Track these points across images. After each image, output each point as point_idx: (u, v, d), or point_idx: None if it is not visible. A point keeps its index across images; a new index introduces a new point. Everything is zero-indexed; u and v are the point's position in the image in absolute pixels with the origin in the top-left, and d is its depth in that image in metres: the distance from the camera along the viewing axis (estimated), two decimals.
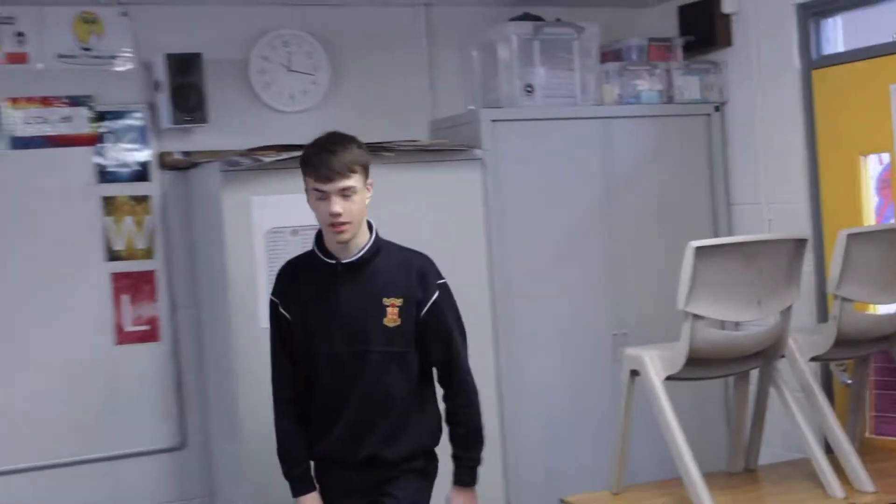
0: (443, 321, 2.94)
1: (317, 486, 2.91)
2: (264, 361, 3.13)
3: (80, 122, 3.71)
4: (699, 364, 3.01)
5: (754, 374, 3.32)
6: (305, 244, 3.16)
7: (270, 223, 3.42)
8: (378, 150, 3.43)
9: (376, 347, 2.84)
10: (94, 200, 3.72)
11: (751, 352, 3.10)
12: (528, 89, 3.84)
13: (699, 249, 2.82)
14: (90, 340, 3.71)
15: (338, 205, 2.65)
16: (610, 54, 4.05)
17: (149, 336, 3.81)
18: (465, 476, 2.92)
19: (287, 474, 2.89)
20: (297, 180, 3.04)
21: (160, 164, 3.83)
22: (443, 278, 2.95)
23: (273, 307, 2.92)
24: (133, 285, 3.78)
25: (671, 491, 3.14)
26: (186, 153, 3.84)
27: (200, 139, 3.82)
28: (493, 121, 3.79)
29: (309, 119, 3.86)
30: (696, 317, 2.86)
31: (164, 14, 3.79)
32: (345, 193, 2.66)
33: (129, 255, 3.78)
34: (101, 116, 3.74)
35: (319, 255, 2.84)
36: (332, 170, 2.69)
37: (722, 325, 3.12)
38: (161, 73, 3.69)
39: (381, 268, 2.87)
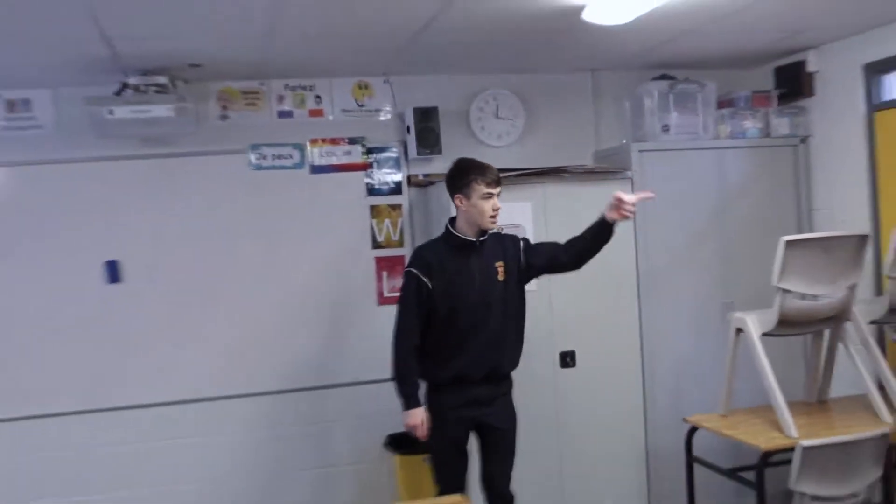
0: (537, 245, 3.74)
1: (421, 401, 3.61)
2: None
3: (356, 155, 4.78)
4: (786, 325, 3.63)
5: (827, 333, 3.96)
6: None
7: None
8: (559, 171, 4.39)
9: (496, 297, 3.60)
10: (364, 208, 4.79)
11: (825, 316, 3.71)
12: (665, 128, 4.59)
13: (789, 242, 3.45)
14: (362, 302, 4.74)
15: (497, 202, 3.53)
16: (724, 102, 4.73)
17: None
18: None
19: (402, 392, 3.57)
20: (504, 193, 3.80)
21: (408, 182, 4.83)
22: (521, 237, 3.76)
23: (413, 277, 3.57)
24: (389, 265, 4.78)
25: (763, 414, 3.79)
26: (426, 175, 4.81)
27: (436, 165, 4.71)
28: (640, 151, 4.53)
29: (510, 151, 4.84)
30: (786, 291, 3.50)
31: (413, 81, 4.77)
32: (499, 195, 3.55)
33: (387, 245, 4.80)
34: (369, 151, 4.79)
35: (459, 236, 3.60)
36: (498, 178, 3.55)
37: (803, 296, 3.58)
38: (410, 120, 4.67)
39: (489, 245, 3.63)
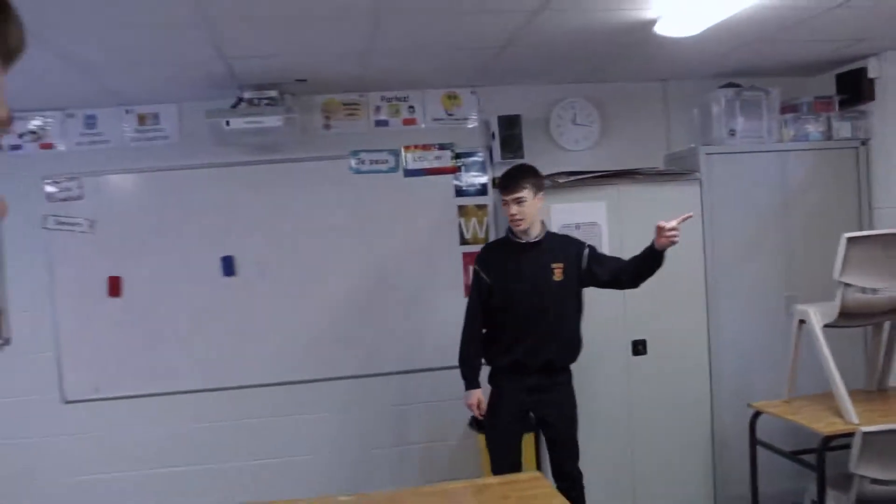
0: (600, 255, 3.91)
1: (480, 385, 3.87)
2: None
3: (446, 159, 5.02)
4: (847, 317, 3.72)
5: (886, 325, 4.07)
6: (587, 235, 4.32)
7: (562, 221, 4.46)
8: (632, 173, 4.55)
9: (550, 295, 3.82)
10: (453, 207, 5.03)
11: (884, 309, 3.79)
12: (732, 133, 4.71)
13: (850, 239, 3.57)
14: (450, 293, 4.94)
15: (514, 208, 3.74)
16: (788, 107, 4.83)
17: None
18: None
19: (462, 374, 3.87)
20: (580, 193, 4.31)
21: (493, 184, 5.00)
22: (587, 244, 3.92)
23: (476, 273, 3.95)
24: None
25: (824, 401, 3.89)
26: None
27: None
28: (708, 154, 4.67)
29: (586, 155, 5.03)
30: (847, 284, 3.60)
31: (498, 91, 5.00)
32: (517, 201, 3.74)
33: (474, 241, 5.01)
34: (458, 156, 5.04)
35: (511, 238, 3.88)
36: (508, 186, 3.75)
37: (864, 290, 3.64)
38: (495, 127, 4.90)
39: (548, 246, 3.85)
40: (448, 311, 4.91)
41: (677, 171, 4.74)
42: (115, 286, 4.85)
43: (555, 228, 4.44)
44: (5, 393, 4.76)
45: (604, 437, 4.58)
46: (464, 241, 5.05)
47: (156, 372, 4.86)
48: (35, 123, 4.78)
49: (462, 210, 5.06)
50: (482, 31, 3.78)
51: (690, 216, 3.71)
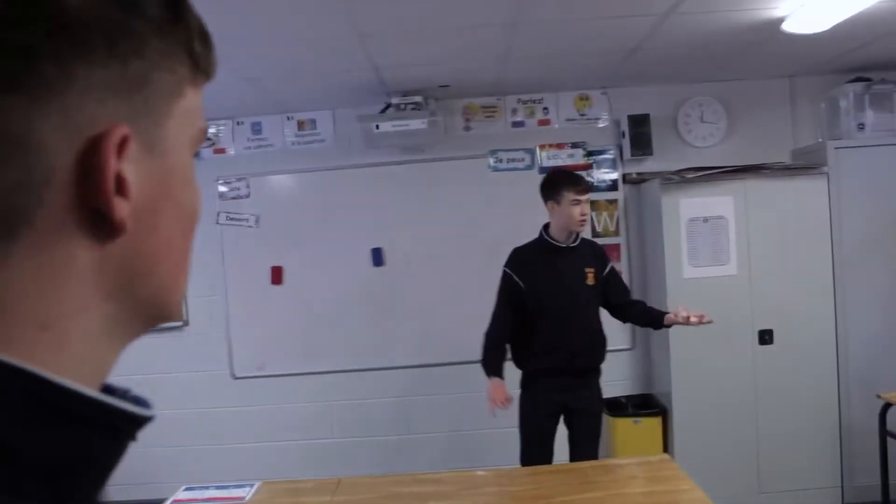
0: (617, 273, 3.99)
1: (504, 377, 3.73)
2: (688, 297, 4.31)
3: (578, 157, 5.24)
4: None
5: None
6: (714, 229, 4.53)
7: (690, 215, 4.64)
8: (758, 168, 4.63)
9: (584, 298, 3.81)
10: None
11: None
12: (860, 126, 4.72)
13: None
14: None
15: (587, 208, 3.76)
16: None
17: None
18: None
19: (487, 366, 3.77)
20: (708, 188, 4.42)
21: (623, 180, 5.23)
22: (612, 264, 3.98)
23: (507, 275, 3.85)
24: (607, 251, 4.53)
25: None
26: (640, 173, 5.18)
27: (648, 165, 5.13)
28: (836, 148, 4.67)
29: (714, 151, 5.12)
30: None
31: (627, 91, 5.18)
32: (588, 201, 3.77)
33: (605, 234, 5.22)
34: (590, 153, 5.24)
35: (549, 240, 3.83)
36: (587, 187, 3.76)
37: None
38: (625, 126, 5.07)
39: (581, 251, 3.86)
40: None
41: (804, 165, 4.78)
42: (277, 275, 5.37)
43: (683, 222, 4.68)
44: (184, 368, 5.38)
45: (729, 425, 4.68)
46: (595, 234, 5.19)
47: (312, 353, 5.34)
48: (210, 131, 5.38)
49: (594, 204, 5.18)
50: (612, 36, 3.98)
51: (711, 322, 3.60)
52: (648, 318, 3.86)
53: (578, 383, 3.83)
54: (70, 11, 0.48)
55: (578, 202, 3.72)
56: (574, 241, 3.86)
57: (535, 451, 3.84)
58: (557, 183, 3.78)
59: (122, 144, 0.50)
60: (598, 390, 3.95)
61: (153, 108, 0.54)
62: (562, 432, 3.95)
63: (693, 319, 3.54)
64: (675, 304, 4.33)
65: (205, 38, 0.58)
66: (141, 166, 0.52)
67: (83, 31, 0.49)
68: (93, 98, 0.49)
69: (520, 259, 3.89)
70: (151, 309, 0.57)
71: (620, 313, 4.00)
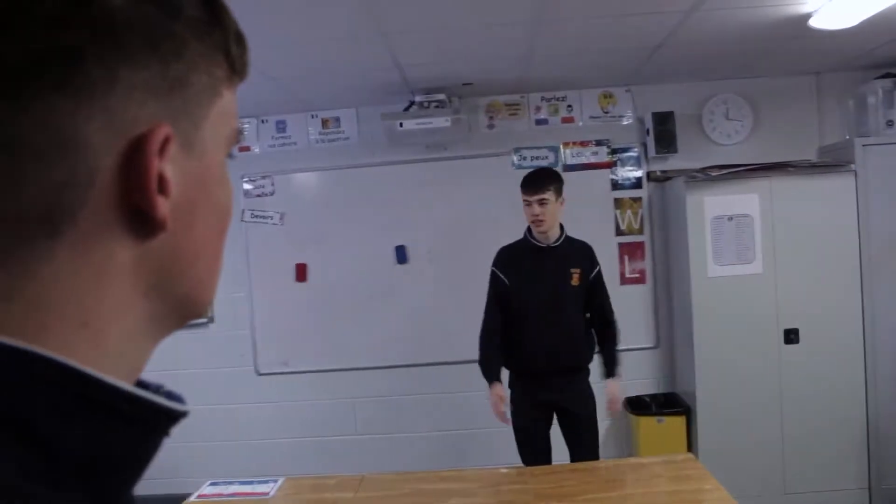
0: (601, 283, 3.92)
1: (502, 381, 3.76)
2: (712, 296, 4.53)
3: (602, 155, 5.23)
4: None
5: None
6: (739, 227, 4.49)
7: (714, 213, 4.61)
8: (784, 166, 4.58)
9: (568, 298, 3.80)
10: (609, 200, 5.23)
11: None
12: (889, 123, 4.68)
13: None
14: (609, 281, 4.56)
15: (537, 209, 3.71)
16: None
17: (639, 280, 5.23)
18: (616, 369, 3.86)
19: (485, 372, 3.77)
20: (733, 186, 4.38)
21: (648, 178, 5.23)
22: (599, 264, 3.93)
23: (494, 274, 3.89)
24: (631, 250, 5.21)
25: None
26: (663, 171, 5.16)
27: (672, 163, 5.12)
28: (864, 146, 4.61)
29: (739, 149, 5.10)
30: None
31: (651, 89, 5.18)
32: (541, 202, 3.71)
33: (629, 232, 5.22)
34: (614, 151, 5.23)
35: (530, 240, 3.83)
36: (535, 187, 3.71)
37: None
38: (649, 124, 5.07)
39: (566, 251, 3.83)
40: None
41: (831, 162, 4.74)
42: (301, 272, 5.41)
43: (708, 220, 4.63)
44: (209, 364, 5.43)
45: (754, 425, 4.67)
46: (619, 233, 5.24)
47: (336, 349, 5.38)
48: None
49: (618, 202, 5.25)
50: (636, 34, 3.98)
51: (617, 410, 3.92)
52: (602, 362, 3.95)
53: (564, 383, 3.84)
54: (115, 14, 0.49)
55: (529, 203, 3.76)
56: (556, 241, 3.86)
57: (526, 451, 3.85)
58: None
59: (164, 144, 0.52)
60: (586, 389, 3.93)
61: (192, 109, 0.55)
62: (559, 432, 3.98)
63: (608, 406, 3.80)
64: (701, 303, 4.53)
65: (240, 39, 0.59)
66: (179, 166, 0.54)
67: (127, 33, 0.50)
68: (134, 99, 0.51)
69: (505, 257, 3.93)
70: (186, 306, 0.59)
71: (592, 325, 3.98)
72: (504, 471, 3.36)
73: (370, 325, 5.34)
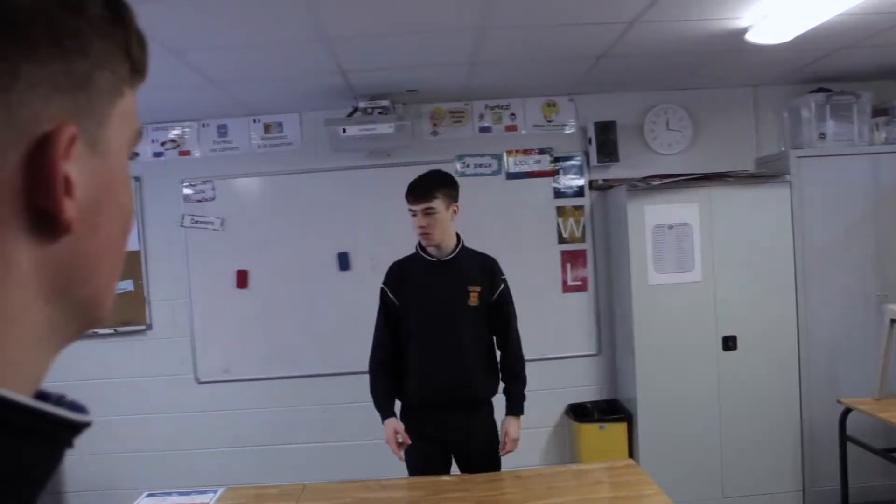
0: (505, 305, 3.44)
1: (396, 414, 3.34)
2: (653, 303, 4.57)
3: (545, 163, 5.23)
4: None
5: None
6: (679, 235, 4.54)
7: (655, 221, 4.67)
8: (723, 176, 4.66)
9: (464, 319, 3.35)
10: (552, 208, 5.23)
11: None
12: (822, 136, 4.78)
13: None
14: (548, 289, 5.18)
15: (423, 220, 3.27)
16: (879, 111, 4.87)
17: (581, 287, 5.23)
18: (518, 407, 3.45)
19: (377, 406, 3.38)
20: (673, 195, 4.43)
21: (590, 186, 5.23)
22: (504, 275, 3.46)
23: (383, 293, 3.43)
24: (573, 258, 5.22)
25: None
26: (605, 180, 5.16)
27: (614, 172, 5.15)
28: (798, 157, 4.73)
29: (679, 159, 5.17)
30: None
31: (594, 99, 5.21)
32: (427, 212, 3.25)
33: (571, 240, 5.21)
34: (556, 160, 5.23)
35: (421, 254, 3.40)
36: (417, 196, 3.27)
37: None
38: (591, 133, 5.10)
39: (464, 266, 3.37)
40: (546, 305, 5.19)
41: (768, 173, 4.83)
42: (242, 279, 5.33)
43: (648, 229, 4.68)
44: (147, 371, 5.30)
45: (694, 430, 4.73)
46: (561, 240, 5.26)
47: (277, 357, 5.30)
48: (175, 133, 5.33)
49: (560, 211, 5.27)
50: (579, 43, 4.00)
51: (509, 451, 3.43)
52: (506, 397, 3.52)
53: (459, 419, 3.38)
54: (16, 10, 0.48)
55: (414, 213, 3.32)
56: (451, 254, 3.39)
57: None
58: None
59: (69, 144, 0.50)
60: (489, 426, 3.48)
61: (96, 108, 0.53)
62: None
63: (502, 446, 3.42)
64: (641, 310, 4.56)
65: (141, 39, 0.58)
66: (84, 166, 0.52)
67: (29, 29, 0.48)
68: (37, 96, 0.49)
69: (396, 275, 3.46)
70: (88, 312, 0.56)
71: (497, 345, 3.54)
72: (447, 478, 3.34)
73: (312, 333, 5.29)
